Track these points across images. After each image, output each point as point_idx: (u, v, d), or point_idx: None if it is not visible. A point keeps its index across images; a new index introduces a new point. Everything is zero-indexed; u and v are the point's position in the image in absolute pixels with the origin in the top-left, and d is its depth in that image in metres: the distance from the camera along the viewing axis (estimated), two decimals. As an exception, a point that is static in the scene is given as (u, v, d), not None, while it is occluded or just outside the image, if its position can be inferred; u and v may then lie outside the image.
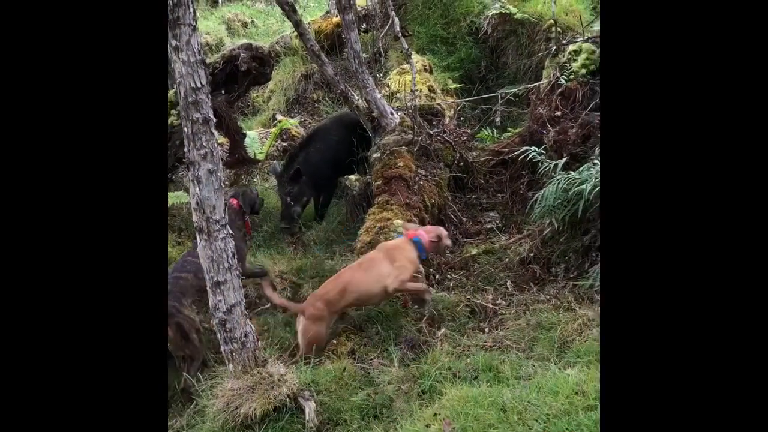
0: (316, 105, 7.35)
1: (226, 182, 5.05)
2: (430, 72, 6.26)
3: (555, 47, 5.51)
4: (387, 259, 3.50)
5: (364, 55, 4.88)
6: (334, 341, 3.41)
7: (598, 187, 3.63)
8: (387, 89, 5.47)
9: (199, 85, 2.49)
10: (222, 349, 2.80)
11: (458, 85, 6.51)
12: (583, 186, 3.73)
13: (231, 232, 2.71)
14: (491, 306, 3.85)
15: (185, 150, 2.56)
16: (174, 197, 4.98)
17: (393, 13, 5.68)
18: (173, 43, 2.42)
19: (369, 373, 3.12)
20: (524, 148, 4.59)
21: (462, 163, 5.14)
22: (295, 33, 5.08)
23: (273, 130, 6.49)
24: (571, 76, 5.06)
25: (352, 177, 5.74)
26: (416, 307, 3.69)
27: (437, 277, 4.22)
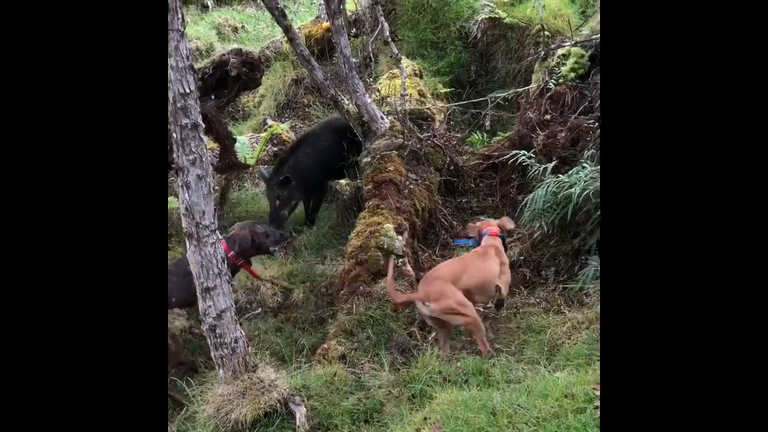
0: (306, 110, 7.33)
1: (216, 187, 5.03)
2: (420, 76, 6.27)
3: (544, 51, 5.54)
4: (496, 256, 3.53)
5: (354, 59, 4.88)
6: (325, 346, 3.41)
7: (587, 190, 3.65)
8: (377, 94, 5.47)
9: (187, 91, 2.49)
10: (212, 354, 2.79)
11: (448, 90, 6.53)
12: (572, 189, 3.75)
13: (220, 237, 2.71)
14: (482, 309, 3.86)
15: (174, 155, 2.56)
16: (164, 202, 4.97)
17: (382, 18, 5.68)
18: (162, 48, 2.42)
19: (360, 377, 3.12)
20: (514, 152, 4.61)
21: (452, 167, 5.16)
22: (286, 38, 5.08)
23: (263, 134, 6.47)
24: (560, 80, 5.09)
25: (343, 181, 5.74)
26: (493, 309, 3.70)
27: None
